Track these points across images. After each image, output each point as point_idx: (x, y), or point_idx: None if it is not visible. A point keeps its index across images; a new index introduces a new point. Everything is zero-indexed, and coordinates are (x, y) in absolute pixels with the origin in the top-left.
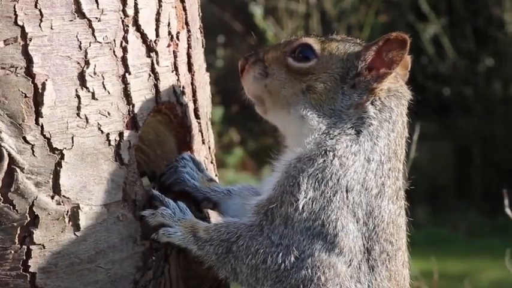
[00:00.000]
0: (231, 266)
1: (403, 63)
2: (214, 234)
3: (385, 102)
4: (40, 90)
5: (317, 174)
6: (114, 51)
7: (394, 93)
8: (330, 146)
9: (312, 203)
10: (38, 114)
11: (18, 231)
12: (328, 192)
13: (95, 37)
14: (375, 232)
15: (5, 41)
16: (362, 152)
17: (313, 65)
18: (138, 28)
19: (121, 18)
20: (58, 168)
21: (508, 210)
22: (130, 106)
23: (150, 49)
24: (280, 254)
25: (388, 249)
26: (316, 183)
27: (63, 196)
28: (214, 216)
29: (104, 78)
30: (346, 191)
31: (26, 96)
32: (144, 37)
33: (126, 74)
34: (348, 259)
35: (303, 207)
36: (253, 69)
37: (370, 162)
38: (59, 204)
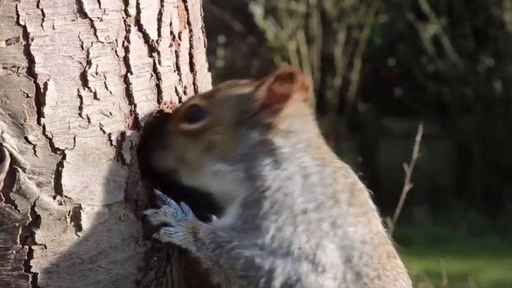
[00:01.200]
0: (224, 275)
1: (302, 86)
2: (212, 238)
3: (288, 129)
4: (42, 90)
5: (270, 211)
6: (116, 51)
7: (293, 117)
8: (261, 188)
9: (280, 232)
10: (40, 114)
11: (20, 232)
12: (289, 220)
13: (96, 37)
14: (347, 239)
15: (6, 41)
16: (294, 173)
17: (207, 122)
18: (140, 28)
19: (123, 18)
20: (60, 169)
21: None
22: (132, 106)
23: (152, 49)
24: (263, 280)
25: (366, 250)
26: (273, 216)
27: (65, 196)
28: None
29: (105, 78)
30: (304, 213)
31: (27, 96)
32: (146, 37)
33: (128, 74)
34: (333, 274)
35: (272, 239)
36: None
37: (309, 176)
38: (60, 204)
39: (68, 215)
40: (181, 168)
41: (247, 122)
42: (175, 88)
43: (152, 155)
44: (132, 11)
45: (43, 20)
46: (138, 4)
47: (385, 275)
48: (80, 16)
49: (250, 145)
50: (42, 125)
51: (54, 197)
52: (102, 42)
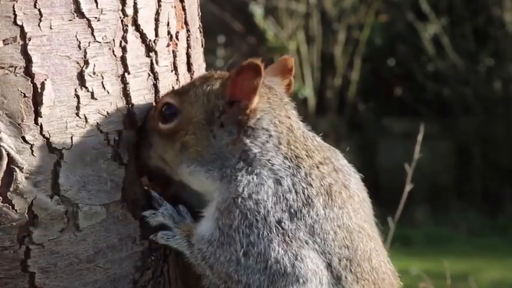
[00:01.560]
0: (214, 283)
1: (283, 68)
2: (199, 248)
3: (256, 126)
4: (39, 90)
5: (243, 222)
6: (113, 51)
7: (262, 113)
8: (234, 193)
9: (254, 247)
10: (37, 114)
11: (17, 231)
12: (263, 232)
13: (94, 37)
14: (326, 245)
15: (4, 40)
16: (266, 178)
17: (179, 121)
18: (138, 28)
19: (120, 17)
20: (57, 168)
21: None
22: (130, 106)
23: (149, 49)
24: None
25: (345, 254)
26: (247, 230)
27: (63, 196)
28: None
29: (103, 78)
30: (279, 223)
31: (25, 96)
32: (143, 37)
33: (126, 74)
34: (318, 282)
35: (246, 255)
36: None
37: (281, 182)
38: (58, 204)
39: (65, 214)
40: (165, 167)
41: (217, 120)
42: (173, 88)
43: (141, 153)
44: (130, 10)
45: (40, 20)
46: (135, 4)
47: (363, 278)
48: (77, 16)
49: (222, 145)
50: (39, 124)
51: (52, 197)
52: (100, 42)
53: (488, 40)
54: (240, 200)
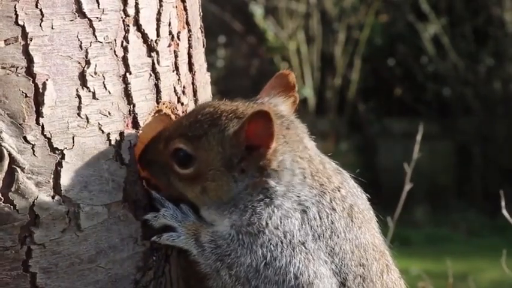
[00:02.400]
0: (222, 283)
1: (286, 85)
2: (213, 248)
3: (280, 167)
4: (41, 90)
5: (267, 242)
6: (114, 51)
7: (282, 153)
8: (256, 225)
9: (275, 261)
10: (39, 114)
11: (19, 231)
12: (287, 250)
13: (95, 37)
14: (344, 265)
15: (5, 40)
16: (291, 210)
17: (198, 167)
18: (139, 28)
19: (122, 18)
20: (59, 168)
21: (505, 211)
22: (131, 106)
23: (150, 49)
24: None
25: (360, 271)
26: (272, 247)
27: (64, 196)
28: None
29: (104, 78)
30: (303, 244)
31: (26, 96)
32: (144, 37)
33: (127, 74)
34: None
35: (266, 265)
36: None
37: (307, 211)
38: (59, 204)
39: (67, 214)
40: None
41: (238, 166)
42: (174, 88)
43: (158, 180)
44: (131, 10)
45: (42, 20)
46: (136, 4)
47: None
48: (78, 16)
49: (242, 188)
50: (41, 124)
51: (53, 197)
52: (101, 42)
53: (488, 40)
54: (266, 231)
